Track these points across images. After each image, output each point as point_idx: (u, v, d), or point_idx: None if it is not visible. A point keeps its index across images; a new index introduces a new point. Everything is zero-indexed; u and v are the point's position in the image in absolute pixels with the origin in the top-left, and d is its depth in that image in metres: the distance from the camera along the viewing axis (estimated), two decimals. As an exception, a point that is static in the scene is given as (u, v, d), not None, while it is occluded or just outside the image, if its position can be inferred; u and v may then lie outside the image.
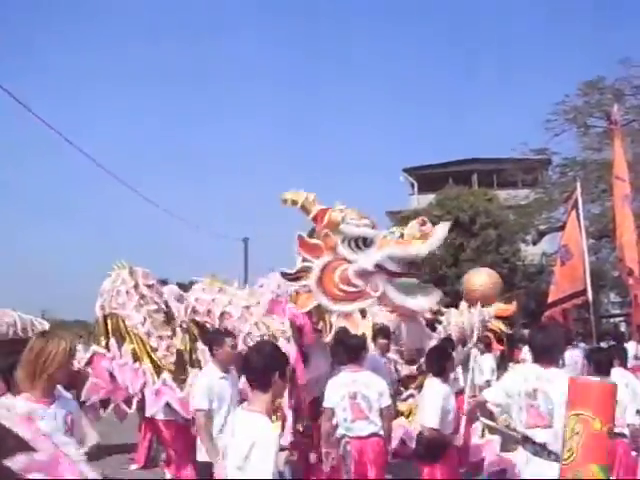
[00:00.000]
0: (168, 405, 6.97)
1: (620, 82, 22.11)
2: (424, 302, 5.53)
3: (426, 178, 37.14)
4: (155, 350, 7.22)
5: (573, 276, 9.32)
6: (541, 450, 3.97)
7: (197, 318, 7.27)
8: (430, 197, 30.54)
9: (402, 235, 5.54)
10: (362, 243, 5.53)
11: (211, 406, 5.16)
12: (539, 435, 4.01)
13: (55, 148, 65.22)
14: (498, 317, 9.75)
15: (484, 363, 9.48)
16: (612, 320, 29.80)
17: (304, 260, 5.64)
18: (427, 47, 77.04)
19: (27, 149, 66.72)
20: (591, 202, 20.36)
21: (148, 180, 60.31)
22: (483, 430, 7.98)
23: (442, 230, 5.54)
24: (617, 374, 5.34)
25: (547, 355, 4.22)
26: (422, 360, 9.34)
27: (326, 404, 5.24)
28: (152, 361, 7.13)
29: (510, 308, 10.00)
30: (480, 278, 9.07)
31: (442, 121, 70.31)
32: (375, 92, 75.97)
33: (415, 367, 9.58)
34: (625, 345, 8.87)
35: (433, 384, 5.28)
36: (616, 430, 4.86)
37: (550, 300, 9.78)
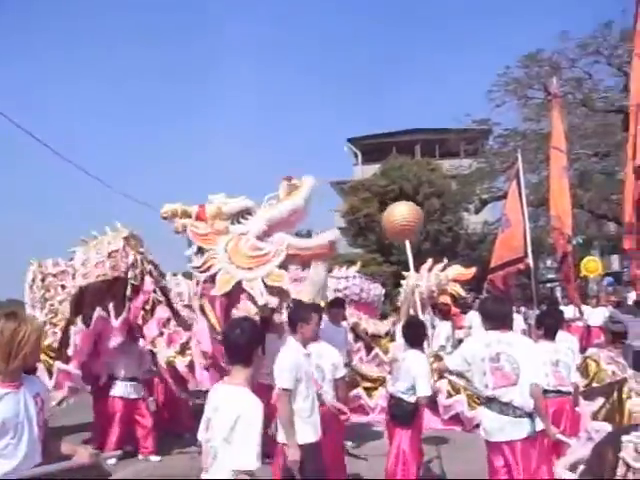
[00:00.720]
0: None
1: (557, 55, 22.69)
2: (326, 236, 5.96)
3: (370, 148, 37.34)
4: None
5: (511, 243, 9.67)
6: (507, 408, 4.28)
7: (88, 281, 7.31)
8: (374, 167, 30.80)
9: (277, 197, 6.10)
10: (248, 215, 6.02)
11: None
12: (505, 394, 4.30)
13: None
14: (457, 281, 9.97)
15: (442, 330, 9.75)
16: (548, 285, 30.96)
17: (204, 251, 5.96)
18: (375, 15, 76.87)
19: None
20: (530, 172, 20.97)
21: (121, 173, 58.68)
22: (448, 391, 8.34)
23: (310, 180, 6.11)
24: (562, 337, 5.68)
25: (502, 321, 4.52)
26: (391, 321, 9.56)
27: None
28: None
29: (470, 272, 10.21)
30: (400, 210, 8.82)
31: (386, 91, 70.72)
32: (320, 61, 75.48)
33: (383, 327, 9.75)
34: (561, 308, 9.36)
35: (418, 357, 5.48)
36: (563, 389, 5.23)
37: (491, 266, 10.12)
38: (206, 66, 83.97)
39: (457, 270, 10.17)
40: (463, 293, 10.32)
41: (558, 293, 26.61)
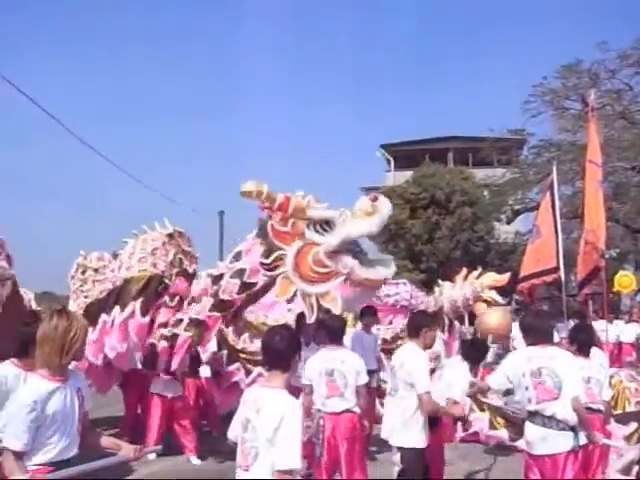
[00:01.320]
0: None
1: (596, 66, 22.41)
2: (386, 272, 6.03)
3: (403, 155, 37.27)
4: None
5: (541, 255, 9.64)
6: (549, 421, 4.34)
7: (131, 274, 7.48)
8: (407, 174, 30.70)
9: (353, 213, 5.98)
10: (326, 226, 5.95)
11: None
12: (548, 408, 4.36)
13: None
14: (492, 288, 10.08)
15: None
16: (578, 298, 30.44)
17: (278, 249, 6.07)
18: (410, 21, 76.79)
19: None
20: (564, 184, 20.76)
21: (121, 153, 59.60)
22: (470, 408, 8.32)
23: (386, 204, 6.01)
24: (593, 353, 5.66)
25: (544, 336, 4.58)
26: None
27: (304, 381, 5.45)
28: None
29: (504, 278, 10.29)
30: (493, 318, 9.55)
31: (421, 98, 70.45)
32: (355, 65, 75.52)
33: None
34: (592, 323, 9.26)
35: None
36: (593, 406, 5.25)
37: (520, 276, 10.09)
38: (240, 66, 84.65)
39: (492, 277, 10.29)
40: (499, 299, 10.37)
41: (590, 307, 26.18)
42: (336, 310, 6.05)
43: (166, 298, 7.29)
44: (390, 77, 74.16)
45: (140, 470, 6.75)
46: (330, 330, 5.63)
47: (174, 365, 7.02)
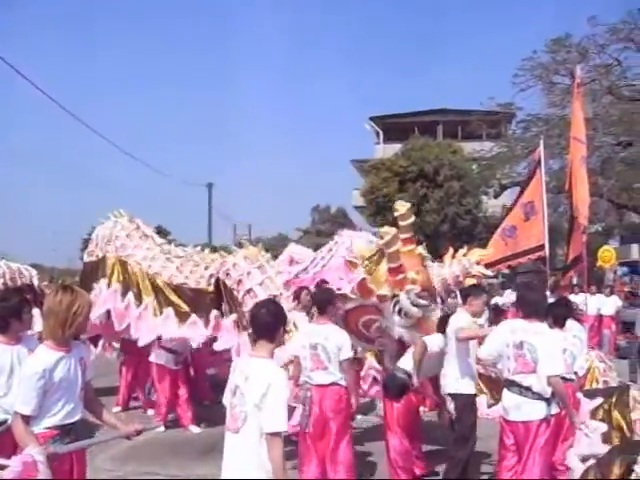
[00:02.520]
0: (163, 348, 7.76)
1: (586, 40, 22.38)
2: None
3: (392, 127, 37.17)
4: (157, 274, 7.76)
5: (532, 232, 9.79)
6: (525, 391, 4.62)
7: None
8: (396, 147, 30.71)
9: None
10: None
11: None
12: (524, 380, 4.63)
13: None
14: (477, 263, 10.21)
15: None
16: (563, 281, 30.82)
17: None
18: (398, -8, 75.80)
19: None
20: (552, 158, 20.88)
21: (112, 126, 59.06)
22: None
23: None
24: (570, 326, 5.88)
25: (533, 310, 4.78)
26: None
27: (291, 351, 5.60)
28: (157, 294, 7.67)
29: (489, 252, 10.45)
30: None
31: (411, 70, 70.00)
32: (345, 38, 74.75)
33: None
34: (572, 297, 9.49)
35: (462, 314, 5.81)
36: (567, 376, 5.49)
37: (509, 253, 10.17)
38: (231, 40, 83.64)
39: (477, 252, 10.45)
40: (488, 272, 10.53)
41: (574, 280, 26.56)
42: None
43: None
44: (379, 49, 73.53)
45: (137, 437, 6.93)
46: (318, 303, 5.73)
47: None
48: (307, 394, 5.34)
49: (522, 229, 10.08)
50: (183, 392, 7.97)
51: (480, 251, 10.54)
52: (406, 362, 5.53)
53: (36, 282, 9.13)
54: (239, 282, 7.05)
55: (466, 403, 5.38)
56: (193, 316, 7.33)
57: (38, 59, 66.56)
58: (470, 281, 10.18)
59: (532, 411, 4.59)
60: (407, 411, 5.73)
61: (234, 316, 7.00)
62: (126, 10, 79.85)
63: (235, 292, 7.06)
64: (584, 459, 4.56)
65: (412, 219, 5.84)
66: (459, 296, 9.96)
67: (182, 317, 7.40)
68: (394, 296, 5.59)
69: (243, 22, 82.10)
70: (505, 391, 4.79)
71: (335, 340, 5.40)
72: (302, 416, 5.36)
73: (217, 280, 7.25)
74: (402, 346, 5.67)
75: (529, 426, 4.58)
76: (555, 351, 4.71)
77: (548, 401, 4.59)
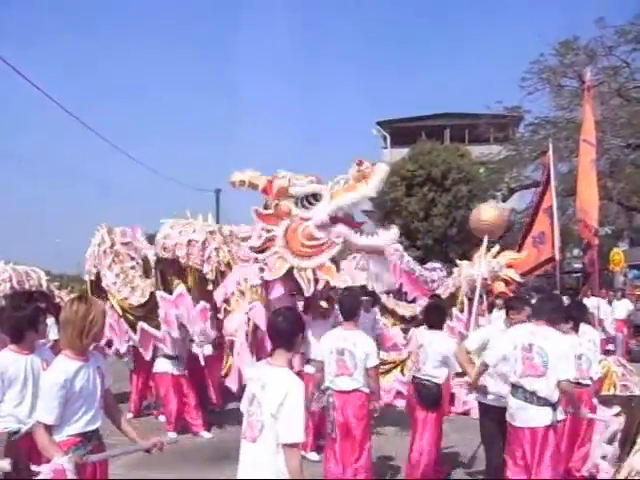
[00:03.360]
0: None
1: (594, 42, 22.27)
2: (388, 236, 5.99)
3: (399, 132, 37.13)
4: (126, 299, 7.97)
5: (542, 254, 9.75)
6: (530, 396, 4.56)
7: (166, 255, 7.62)
8: (403, 151, 30.65)
9: (347, 181, 5.91)
10: (313, 199, 5.94)
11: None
12: (531, 384, 4.56)
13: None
14: (509, 266, 10.09)
15: (498, 316, 9.91)
16: (574, 275, 30.72)
17: (267, 231, 6.08)
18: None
19: None
20: (560, 161, 20.78)
21: (118, 132, 59.36)
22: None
23: (381, 169, 5.89)
24: (585, 330, 5.84)
25: (544, 316, 4.75)
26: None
27: (316, 356, 5.60)
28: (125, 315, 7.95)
29: (522, 257, 10.30)
30: (487, 213, 9.41)
31: (418, 74, 69.97)
32: (351, 43, 74.82)
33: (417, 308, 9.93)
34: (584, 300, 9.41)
35: (446, 338, 5.98)
36: (582, 381, 5.44)
37: (543, 258, 9.95)
38: (238, 42, 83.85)
39: (509, 256, 10.24)
40: (518, 278, 10.34)
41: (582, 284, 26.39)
42: (334, 281, 6.15)
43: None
44: (386, 54, 73.53)
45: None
46: (344, 309, 5.67)
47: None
48: (329, 399, 5.34)
49: (549, 234, 9.88)
50: (191, 398, 7.96)
51: (512, 254, 10.37)
52: (430, 365, 5.65)
53: (45, 284, 9.17)
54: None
55: (487, 408, 5.36)
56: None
57: (39, 61, 66.95)
58: (499, 286, 10.01)
59: (538, 417, 4.55)
60: (439, 418, 5.77)
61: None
62: (134, 14, 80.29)
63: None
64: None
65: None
66: (484, 299, 9.92)
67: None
68: None
69: (251, 28, 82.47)
70: (511, 398, 4.74)
71: (363, 347, 5.37)
72: (327, 422, 5.38)
73: None
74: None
75: (535, 432, 4.53)
76: (567, 355, 4.66)
77: (554, 407, 4.54)
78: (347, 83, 76.20)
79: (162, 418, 8.44)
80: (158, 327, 7.72)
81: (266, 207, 6.20)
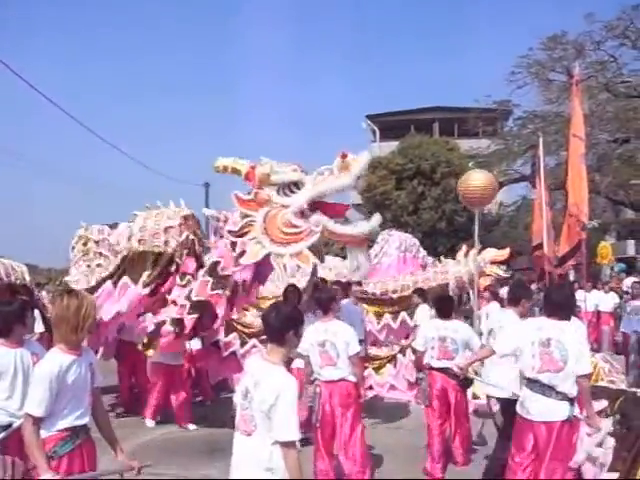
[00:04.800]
0: None
1: (582, 37, 22.36)
2: (366, 226, 6.03)
3: (388, 125, 37.18)
4: None
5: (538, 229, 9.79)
6: (549, 390, 4.49)
7: (143, 247, 7.57)
8: (392, 145, 30.71)
9: (331, 172, 5.98)
10: (295, 187, 6.00)
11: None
12: (549, 379, 4.49)
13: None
14: (493, 262, 10.24)
15: (492, 309, 10.03)
16: (559, 270, 30.90)
17: (245, 216, 6.10)
18: (394, -10, 75.68)
19: None
20: (549, 155, 20.87)
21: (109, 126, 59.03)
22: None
23: (363, 158, 5.96)
24: (572, 323, 5.85)
25: (558, 310, 4.67)
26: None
27: (300, 350, 5.59)
28: None
29: (505, 253, 10.48)
30: (477, 176, 9.38)
31: (407, 68, 69.96)
32: (340, 37, 74.65)
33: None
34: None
35: (467, 327, 6.44)
36: None
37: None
38: (225, 37, 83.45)
39: (493, 252, 10.51)
40: (502, 273, 10.52)
41: (572, 277, 26.61)
42: (308, 268, 6.25)
43: (177, 277, 7.41)
44: (375, 47, 73.46)
45: (134, 440, 6.92)
46: (320, 302, 5.89)
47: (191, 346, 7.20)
48: (316, 390, 5.55)
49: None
50: (182, 391, 7.94)
51: (495, 251, 10.58)
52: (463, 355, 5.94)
53: (28, 278, 9.10)
54: None
55: (509, 403, 5.26)
56: None
57: (25, 52, 66.22)
58: (484, 281, 10.15)
59: (556, 411, 4.46)
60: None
61: None
62: (123, 15, 79.66)
63: None
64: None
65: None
66: (471, 295, 10.00)
67: None
68: None
69: (237, 22, 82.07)
70: (526, 390, 4.66)
71: (343, 336, 5.60)
72: (313, 413, 5.54)
73: None
74: None
75: (552, 426, 4.45)
76: (585, 350, 4.60)
77: (572, 401, 4.48)
78: (337, 78, 76.11)
79: (150, 423, 8.31)
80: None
81: (249, 194, 6.23)
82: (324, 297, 5.91)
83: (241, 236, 6.16)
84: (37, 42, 78.58)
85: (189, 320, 6.93)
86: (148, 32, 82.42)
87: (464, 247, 9.75)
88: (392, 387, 9.21)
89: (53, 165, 62.70)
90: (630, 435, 3.34)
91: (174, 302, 7.19)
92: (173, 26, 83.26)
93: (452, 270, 9.68)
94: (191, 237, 7.58)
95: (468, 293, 9.41)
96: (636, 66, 22.62)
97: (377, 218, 6.12)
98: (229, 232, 6.25)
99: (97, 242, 8.47)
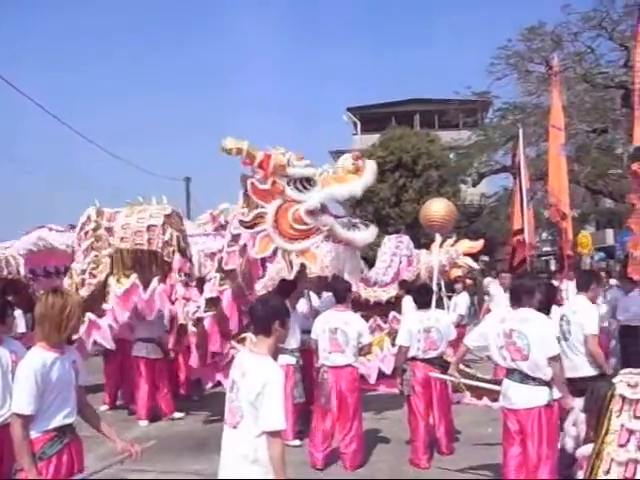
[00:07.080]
0: None
1: (560, 28, 22.52)
2: (367, 235, 6.14)
3: (369, 118, 37.29)
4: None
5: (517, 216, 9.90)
6: (525, 378, 4.61)
7: (125, 245, 7.53)
8: (373, 137, 30.79)
9: (335, 171, 6.03)
10: (307, 183, 5.95)
11: None
12: (520, 367, 4.63)
13: None
14: (466, 254, 10.42)
15: (460, 301, 10.31)
16: (543, 258, 31.32)
17: (257, 206, 6.02)
18: (372, -18, 75.61)
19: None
20: (529, 146, 21.05)
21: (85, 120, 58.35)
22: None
23: (371, 167, 6.08)
24: (553, 310, 5.94)
25: (518, 299, 4.82)
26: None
27: (312, 335, 6.20)
28: None
29: (478, 245, 10.66)
30: (437, 207, 9.61)
31: (387, 60, 70.02)
32: (320, 28, 74.47)
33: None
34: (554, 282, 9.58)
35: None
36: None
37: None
38: (209, 30, 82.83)
39: (466, 244, 10.73)
40: (474, 265, 10.72)
41: (552, 266, 26.94)
42: (315, 267, 6.38)
43: (174, 275, 7.44)
44: (354, 40, 73.40)
45: (125, 434, 6.89)
46: (336, 292, 6.33)
47: (213, 347, 6.98)
48: (324, 375, 5.98)
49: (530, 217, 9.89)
50: (165, 384, 7.97)
51: (469, 243, 10.76)
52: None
53: (22, 271, 9.04)
54: None
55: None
56: None
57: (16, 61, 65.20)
58: (456, 272, 10.37)
59: (536, 397, 4.58)
60: None
61: None
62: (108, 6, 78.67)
63: None
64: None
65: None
66: (442, 286, 10.13)
67: None
68: None
69: (220, 16, 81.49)
70: (506, 380, 4.78)
71: (355, 326, 6.04)
72: (321, 395, 5.96)
73: None
74: None
75: (533, 412, 4.57)
76: (547, 333, 4.68)
77: (549, 385, 4.59)
78: (317, 70, 75.93)
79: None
80: (101, 316, 7.50)
81: (244, 181, 6.12)
82: (340, 287, 6.30)
83: (252, 227, 6.07)
84: (22, 42, 77.42)
85: (209, 319, 6.87)
86: (131, 27, 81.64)
87: (438, 237, 9.85)
88: (383, 376, 9.14)
89: (32, 160, 61.76)
90: (595, 403, 3.49)
91: (186, 298, 7.29)
92: (154, 22, 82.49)
93: (423, 260, 9.88)
94: (175, 234, 7.53)
95: (439, 283, 9.60)
96: (613, 57, 22.86)
97: (374, 230, 6.22)
98: (240, 222, 6.17)
99: (109, 229, 7.91)
